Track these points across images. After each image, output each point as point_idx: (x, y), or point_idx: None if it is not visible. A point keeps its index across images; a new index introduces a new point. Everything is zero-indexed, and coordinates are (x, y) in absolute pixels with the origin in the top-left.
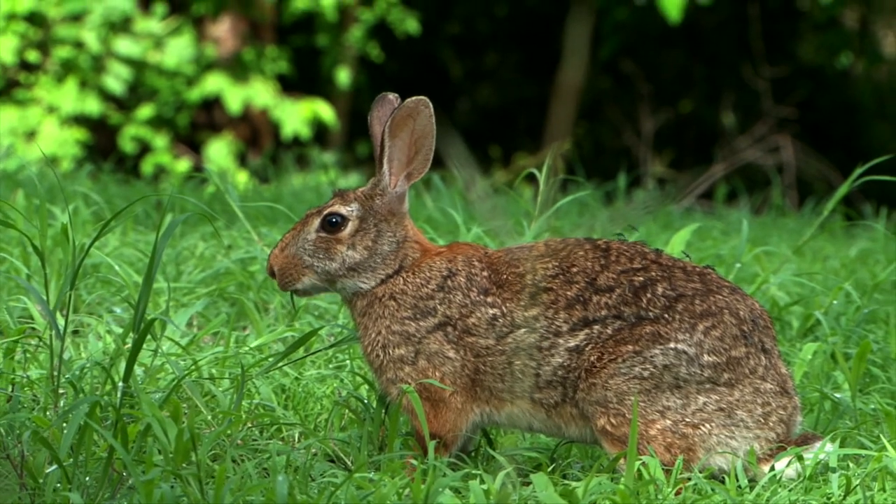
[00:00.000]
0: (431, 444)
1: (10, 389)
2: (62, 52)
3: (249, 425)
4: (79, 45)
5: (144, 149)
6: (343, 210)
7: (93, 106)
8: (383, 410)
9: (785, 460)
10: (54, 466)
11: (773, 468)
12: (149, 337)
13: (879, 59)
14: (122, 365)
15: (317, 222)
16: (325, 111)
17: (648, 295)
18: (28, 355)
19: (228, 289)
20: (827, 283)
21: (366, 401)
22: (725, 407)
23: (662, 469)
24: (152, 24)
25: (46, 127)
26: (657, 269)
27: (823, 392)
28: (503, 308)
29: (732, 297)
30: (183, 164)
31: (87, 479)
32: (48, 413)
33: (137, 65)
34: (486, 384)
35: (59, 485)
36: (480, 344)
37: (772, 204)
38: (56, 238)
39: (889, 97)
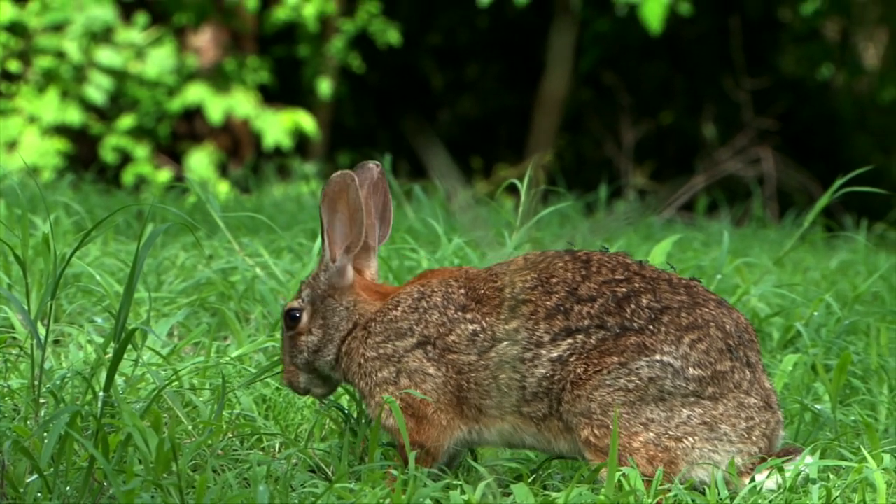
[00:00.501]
0: (412, 455)
1: None
2: (43, 62)
3: (230, 435)
4: (60, 55)
5: (125, 159)
6: (296, 303)
7: (74, 116)
8: (364, 422)
9: (765, 472)
10: (35, 476)
11: (753, 480)
12: (130, 347)
13: (860, 71)
14: (103, 375)
15: (282, 323)
16: (307, 122)
17: (633, 306)
18: (9, 365)
19: (209, 299)
20: (807, 295)
21: (346, 411)
22: (709, 421)
23: (643, 480)
24: (134, 34)
25: (27, 137)
26: (641, 280)
27: (804, 403)
28: (483, 323)
29: (719, 311)
30: (164, 175)
31: (68, 488)
32: (29, 423)
33: (119, 75)
34: (472, 402)
35: (39, 494)
36: (462, 361)
37: (752, 216)
38: (37, 248)
39: (870, 109)
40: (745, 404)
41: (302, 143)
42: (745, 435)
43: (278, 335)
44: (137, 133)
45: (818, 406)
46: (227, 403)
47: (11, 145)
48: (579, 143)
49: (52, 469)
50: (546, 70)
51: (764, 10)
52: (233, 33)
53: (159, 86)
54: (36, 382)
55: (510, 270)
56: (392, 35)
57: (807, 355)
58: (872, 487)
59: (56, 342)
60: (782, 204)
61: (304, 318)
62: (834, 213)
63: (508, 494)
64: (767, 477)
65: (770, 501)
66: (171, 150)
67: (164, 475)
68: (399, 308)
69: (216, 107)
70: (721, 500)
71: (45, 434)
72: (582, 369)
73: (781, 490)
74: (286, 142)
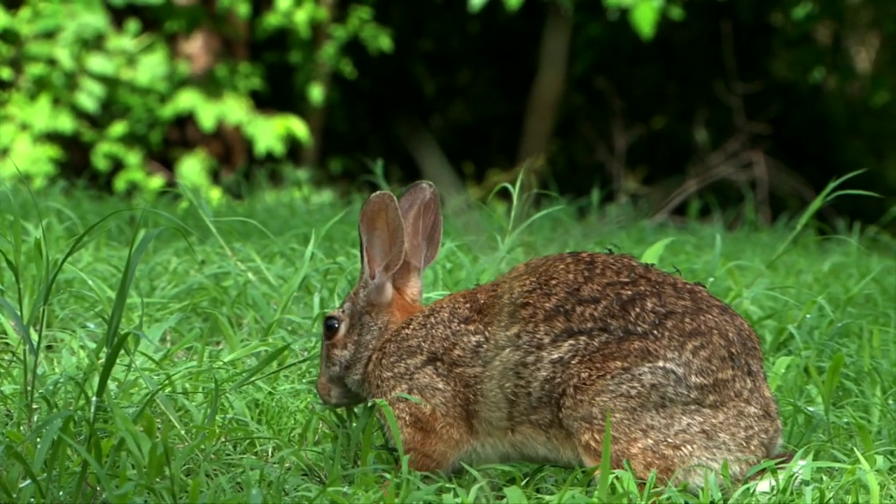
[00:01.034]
0: (405, 458)
1: None
2: (35, 70)
3: (223, 440)
4: (52, 62)
5: (117, 166)
6: (336, 313)
7: (66, 123)
8: (357, 425)
9: (758, 475)
10: (28, 481)
11: (746, 482)
12: (122, 352)
13: (852, 74)
14: (96, 380)
15: (322, 330)
16: (299, 128)
17: (637, 309)
18: (1, 370)
19: (202, 304)
20: (800, 297)
21: (339, 414)
22: (708, 429)
23: (638, 484)
24: (125, 41)
25: (19, 144)
26: (646, 283)
27: (797, 405)
28: (485, 333)
29: (722, 318)
30: (156, 181)
31: (61, 493)
32: (22, 428)
33: (110, 82)
34: (482, 415)
35: (32, 499)
36: (468, 374)
37: (745, 219)
38: (29, 254)
39: (862, 113)
40: (744, 413)
41: (294, 149)
42: (744, 444)
43: (271, 339)
44: (129, 140)
45: (811, 408)
46: (219, 408)
47: (3, 153)
48: (571, 149)
49: (45, 474)
50: (539, 74)
51: (756, 15)
52: (224, 40)
53: (151, 92)
54: (29, 388)
55: (510, 277)
56: (384, 41)
57: (799, 357)
58: (866, 489)
59: (49, 347)
60: (774, 208)
61: (342, 329)
62: (826, 216)
63: (501, 498)
64: (761, 479)
65: None
66: (163, 157)
67: (157, 480)
68: (410, 326)
69: (208, 113)
70: (714, 502)
71: (38, 439)
72: (586, 374)
73: (775, 492)
74: (278, 148)
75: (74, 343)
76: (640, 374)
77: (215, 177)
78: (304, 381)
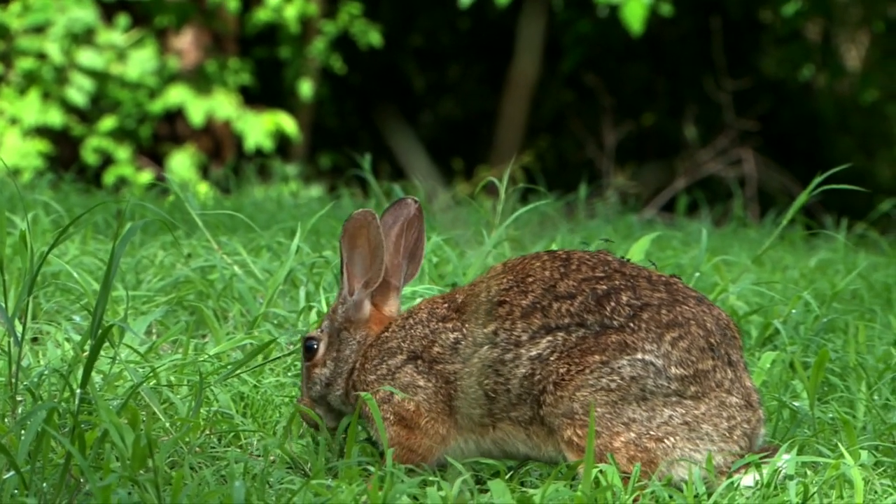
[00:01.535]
0: (389, 451)
1: None
2: (25, 64)
3: (207, 432)
4: (41, 56)
5: (107, 160)
6: (315, 333)
7: (55, 117)
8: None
9: (742, 469)
10: (12, 472)
11: (730, 476)
12: (107, 344)
13: (841, 72)
14: (81, 372)
15: (302, 352)
16: (288, 123)
17: (612, 303)
18: None
19: (188, 297)
20: (786, 293)
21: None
22: (691, 420)
23: (622, 478)
24: (115, 35)
25: (9, 138)
26: (621, 277)
27: (782, 400)
28: (463, 330)
29: (699, 308)
30: (145, 176)
31: (45, 485)
32: (6, 419)
33: (100, 76)
34: (464, 411)
35: (16, 491)
36: (448, 370)
37: (733, 216)
38: (15, 246)
39: (851, 110)
40: (726, 403)
41: (283, 144)
42: (727, 434)
43: (257, 333)
44: (119, 135)
45: (796, 403)
46: (204, 400)
47: None
48: (560, 145)
49: (29, 466)
50: (515, 59)
51: (745, 12)
52: (214, 35)
53: (141, 87)
54: (13, 379)
55: (487, 277)
56: (373, 36)
57: (785, 353)
58: (850, 484)
59: (34, 340)
60: (763, 205)
61: (322, 348)
62: (814, 213)
63: (485, 491)
64: (745, 474)
65: (747, 498)
66: (153, 152)
67: (141, 472)
68: (390, 329)
69: (197, 108)
70: (698, 496)
71: (23, 431)
72: (564, 369)
73: (759, 487)
74: (267, 144)
75: (59, 335)
76: (619, 368)
77: (205, 172)
78: (289, 374)
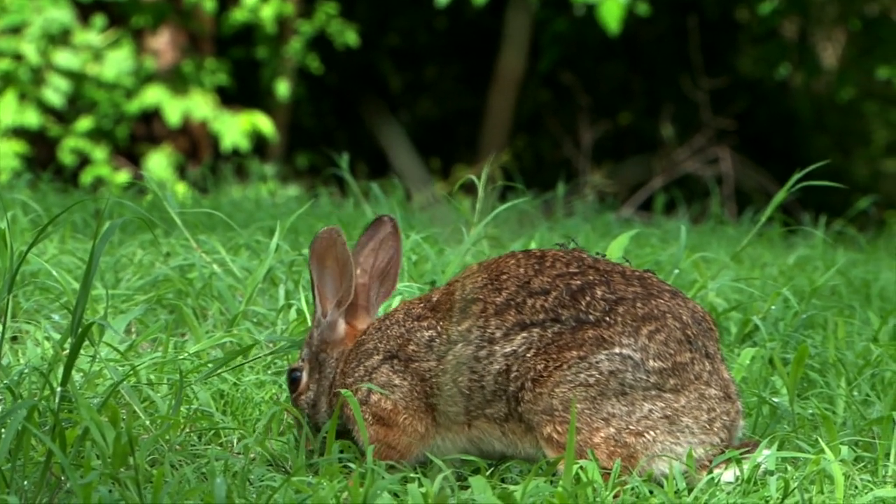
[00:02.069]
0: (370, 448)
1: None
2: (1, 65)
3: (188, 430)
4: (18, 57)
5: (84, 161)
6: (296, 364)
7: (32, 118)
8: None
9: (723, 465)
10: None
11: (710, 472)
12: (87, 343)
13: (818, 70)
14: (61, 370)
15: (287, 384)
16: (265, 123)
17: (587, 298)
18: None
19: (167, 296)
20: (765, 289)
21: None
22: (670, 414)
23: (601, 473)
24: (91, 36)
25: None
26: (595, 273)
27: (762, 397)
28: (437, 328)
29: (674, 301)
30: (122, 177)
31: (26, 483)
32: None
33: (76, 77)
34: (441, 408)
35: None
36: (424, 367)
37: (710, 214)
38: None
39: (828, 109)
40: (706, 396)
41: (260, 145)
42: (707, 427)
43: (236, 331)
44: (95, 135)
45: (776, 399)
46: (184, 398)
47: None
48: (538, 144)
49: (9, 464)
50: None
51: (722, 11)
52: (191, 35)
53: (117, 88)
54: None
55: (463, 276)
56: (350, 36)
57: (764, 349)
58: (830, 479)
59: (13, 339)
60: (740, 204)
61: (304, 376)
62: (791, 211)
63: (466, 487)
64: (725, 469)
65: (728, 493)
66: (130, 153)
67: (122, 469)
68: (366, 334)
69: (174, 109)
70: (679, 492)
71: (3, 429)
72: (542, 365)
73: (739, 482)
74: (244, 144)
75: (39, 334)
76: (597, 362)
77: (181, 172)
78: (269, 372)
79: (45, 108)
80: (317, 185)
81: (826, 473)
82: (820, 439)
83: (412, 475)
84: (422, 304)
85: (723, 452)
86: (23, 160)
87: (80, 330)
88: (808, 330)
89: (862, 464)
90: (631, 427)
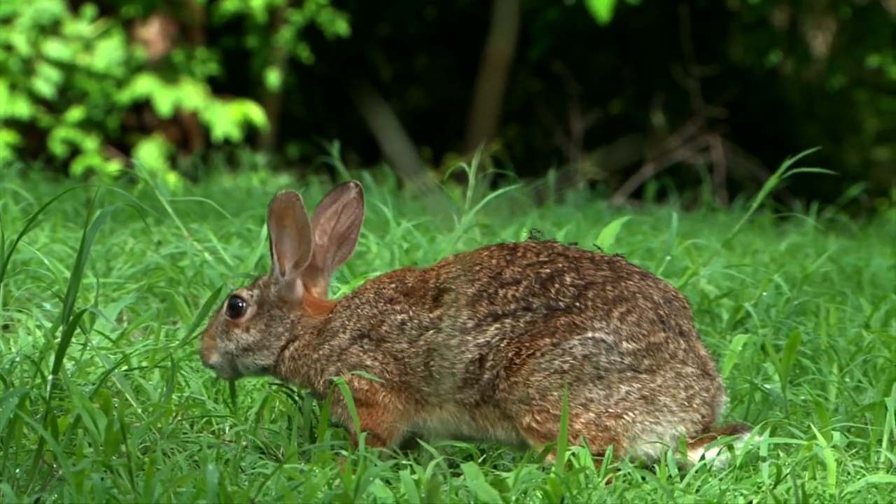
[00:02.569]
0: (363, 436)
1: None
2: None
3: (179, 418)
4: (8, 48)
5: (75, 151)
6: (245, 293)
7: (22, 109)
8: (315, 403)
9: (715, 450)
10: None
11: (703, 458)
12: (78, 331)
13: (808, 58)
14: (52, 358)
15: (226, 304)
16: (256, 113)
17: (557, 285)
18: None
19: (158, 284)
20: (757, 276)
21: (296, 392)
22: (648, 394)
23: (592, 459)
24: (82, 26)
25: None
26: (564, 260)
27: (754, 383)
28: (409, 313)
29: (644, 282)
30: (113, 166)
31: (18, 470)
32: None
33: (67, 67)
34: (414, 387)
35: None
36: (396, 348)
37: (702, 202)
38: None
39: (818, 97)
40: (682, 374)
41: (251, 134)
42: (686, 404)
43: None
44: (86, 125)
45: (768, 386)
46: (176, 386)
47: None
48: (528, 134)
49: (1, 452)
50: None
51: None
52: (181, 25)
53: (108, 78)
54: None
55: (438, 266)
56: (340, 26)
57: (756, 335)
58: (822, 465)
59: (5, 327)
60: (731, 191)
61: (248, 313)
62: (782, 198)
63: (458, 474)
64: (718, 455)
65: (720, 479)
66: (121, 143)
67: (114, 457)
68: (337, 310)
69: (165, 99)
70: (671, 477)
71: None
72: (513, 353)
73: (731, 468)
74: (235, 133)
75: (31, 323)
76: (570, 348)
77: (173, 162)
78: None
79: (36, 99)
80: (308, 174)
81: (818, 459)
82: (812, 425)
83: (404, 462)
84: (393, 286)
85: (712, 436)
86: (14, 150)
87: (71, 318)
88: (799, 316)
89: (854, 450)
90: (610, 410)
